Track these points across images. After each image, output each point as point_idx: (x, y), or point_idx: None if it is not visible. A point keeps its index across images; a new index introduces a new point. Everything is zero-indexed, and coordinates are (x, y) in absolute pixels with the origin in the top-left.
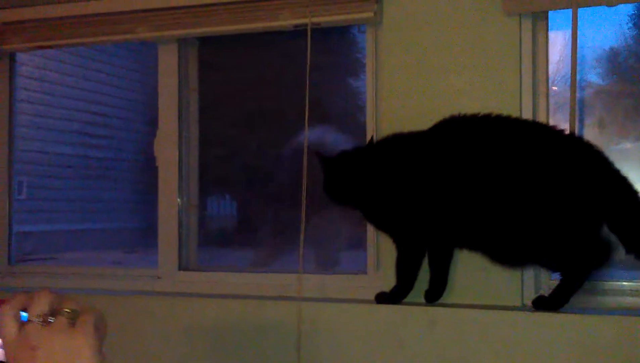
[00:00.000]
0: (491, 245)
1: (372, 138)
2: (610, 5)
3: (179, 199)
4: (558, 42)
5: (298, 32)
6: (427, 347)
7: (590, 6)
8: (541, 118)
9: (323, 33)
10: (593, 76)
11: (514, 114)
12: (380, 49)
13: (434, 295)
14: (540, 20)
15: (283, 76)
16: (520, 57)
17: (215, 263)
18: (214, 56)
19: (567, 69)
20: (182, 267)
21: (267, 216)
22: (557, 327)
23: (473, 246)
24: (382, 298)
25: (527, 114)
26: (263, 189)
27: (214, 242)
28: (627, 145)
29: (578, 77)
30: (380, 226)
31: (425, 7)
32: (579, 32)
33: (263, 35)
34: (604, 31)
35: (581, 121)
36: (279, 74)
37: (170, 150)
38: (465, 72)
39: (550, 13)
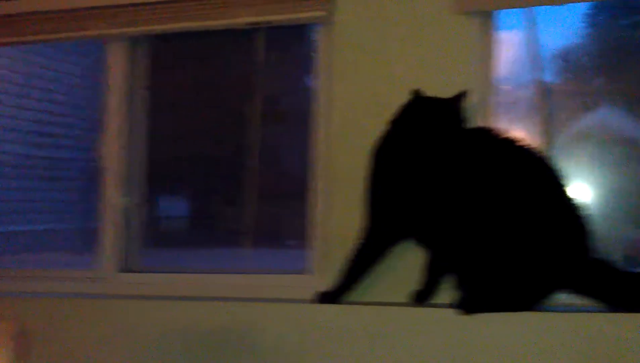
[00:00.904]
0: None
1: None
2: (557, 4)
3: (122, 199)
4: (510, 42)
5: (254, 30)
6: (375, 347)
7: (539, 5)
8: (488, 116)
9: (279, 31)
10: (546, 75)
11: None
12: (333, 47)
13: (425, 296)
14: (488, 19)
15: (238, 73)
16: (470, 56)
17: (167, 264)
18: (167, 53)
19: (519, 68)
20: (124, 269)
21: (222, 216)
22: (531, 325)
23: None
24: (323, 298)
25: (475, 113)
26: (218, 189)
27: (168, 243)
28: (578, 143)
29: (529, 76)
30: (371, 199)
31: (377, 5)
32: (537, 31)
33: (218, 33)
34: (557, 30)
35: (531, 120)
36: (234, 71)
37: (115, 149)
38: (415, 70)
39: (503, 13)
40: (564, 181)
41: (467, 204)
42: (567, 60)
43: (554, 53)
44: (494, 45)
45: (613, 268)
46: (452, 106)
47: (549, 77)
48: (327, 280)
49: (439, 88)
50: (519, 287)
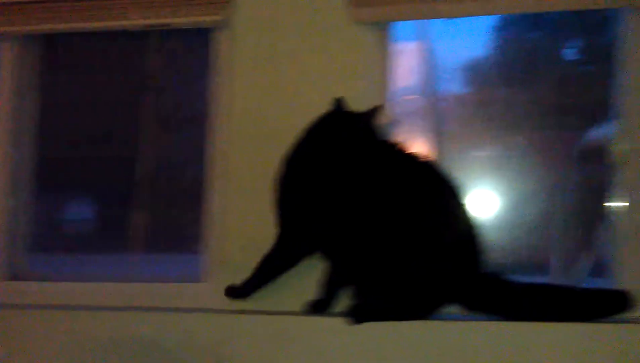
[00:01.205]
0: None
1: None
2: (450, 17)
3: (8, 201)
4: (417, 52)
5: (153, 32)
6: (270, 356)
7: (433, 18)
8: (387, 126)
9: (179, 33)
10: (456, 85)
11: None
12: (232, 52)
13: (324, 306)
14: (385, 29)
15: (137, 74)
16: (366, 65)
17: (65, 270)
18: (66, 53)
19: (426, 78)
20: (8, 276)
21: (124, 221)
22: (426, 334)
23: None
24: (231, 292)
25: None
26: (122, 193)
27: (69, 248)
28: (486, 153)
29: (439, 86)
30: (281, 206)
31: (276, 12)
32: (443, 43)
33: (115, 33)
34: (467, 41)
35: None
36: (132, 73)
37: (1, 149)
38: (313, 78)
39: (412, 24)
40: (458, 195)
41: (364, 216)
42: (477, 71)
43: (465, 64)
44: (391, 56)
45: (503, 281)
46: (365, 120)
47: (457, 87)
48: (222, 288)
49: (336, 96)
50: (408, 298)
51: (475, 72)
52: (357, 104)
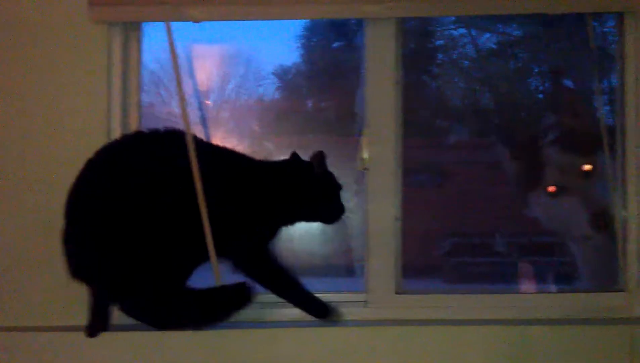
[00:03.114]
0: None
1: None
2: (196, 21)
3: None
4: (217, 56)
5: None
6: None
7: (179, 21)
8: (132, 128)
9: None
10: (269, 90)
11: (101, 123)
12: None
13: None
14: (132, 30)
15: None
16: (110, 67)
17: None
18: None
19: (224, 83)
20: None
21: None
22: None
23: None
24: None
25: (115, 124)
26: None
27: None
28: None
29: (261, 91)
30: None
31: (10, 8)
32: (255, 46)
33: None
34: (278, 47)
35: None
36: None
37: None
38: (52, 78)
39: (208, 26)
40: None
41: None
42: (285, 77)
43: (275, 70)
44: (138, 56)
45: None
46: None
47: (270, 92)
48: None
49: (77, 98)
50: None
51: (284, 79)
52: (97, 106)
